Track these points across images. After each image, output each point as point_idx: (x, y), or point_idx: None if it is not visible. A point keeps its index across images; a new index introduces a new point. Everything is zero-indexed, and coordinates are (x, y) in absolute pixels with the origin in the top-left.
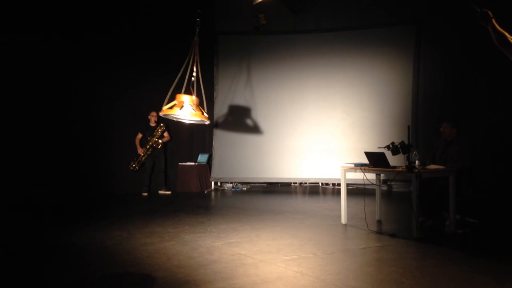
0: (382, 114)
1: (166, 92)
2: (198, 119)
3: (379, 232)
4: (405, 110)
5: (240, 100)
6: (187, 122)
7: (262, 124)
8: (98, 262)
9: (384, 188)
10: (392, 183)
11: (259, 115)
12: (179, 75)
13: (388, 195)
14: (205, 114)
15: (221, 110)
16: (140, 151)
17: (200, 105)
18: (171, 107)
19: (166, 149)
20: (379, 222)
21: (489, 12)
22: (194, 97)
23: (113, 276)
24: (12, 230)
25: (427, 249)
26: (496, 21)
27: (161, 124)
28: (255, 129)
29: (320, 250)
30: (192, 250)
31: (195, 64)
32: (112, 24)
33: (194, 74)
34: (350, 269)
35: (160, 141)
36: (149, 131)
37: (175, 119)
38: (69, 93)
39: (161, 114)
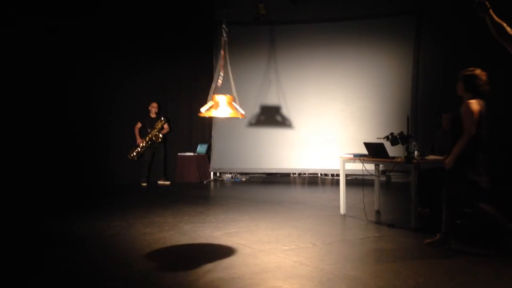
0: (382, 104)
1: (166, 81)
2: (235, 117)
3: (378, 222)
4: (404, 100)
5: (239, 90)
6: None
7: (261, 114)
8: (97, 252)
9: (383, 178)
10: (391, 173)
11: (258, 106)
12: (215, 76)
13: (386, 186)
14: (241, 111)
15: None
16: (139, 141)
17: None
18: (208, 109)
19: (165, 140)
20: (378, 212)
21: (486, 2)
22: (229, 96)
23: (112, 266)
24: (11, 220)
25: (425, 239)
26: (493, 11)
27: (162, 118)
28: (254, 120)
29: (319, 240)
30: (191, 240)
31: (221, 66)
32: (114, 12)
33: (221, 75)
34: (349, 259)
35: (160, 135)
36: (149, 122)
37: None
38: (67, 83)
39: (201, 115)
